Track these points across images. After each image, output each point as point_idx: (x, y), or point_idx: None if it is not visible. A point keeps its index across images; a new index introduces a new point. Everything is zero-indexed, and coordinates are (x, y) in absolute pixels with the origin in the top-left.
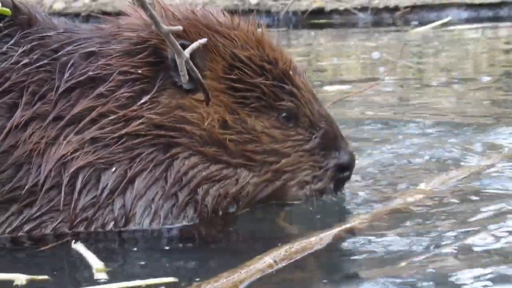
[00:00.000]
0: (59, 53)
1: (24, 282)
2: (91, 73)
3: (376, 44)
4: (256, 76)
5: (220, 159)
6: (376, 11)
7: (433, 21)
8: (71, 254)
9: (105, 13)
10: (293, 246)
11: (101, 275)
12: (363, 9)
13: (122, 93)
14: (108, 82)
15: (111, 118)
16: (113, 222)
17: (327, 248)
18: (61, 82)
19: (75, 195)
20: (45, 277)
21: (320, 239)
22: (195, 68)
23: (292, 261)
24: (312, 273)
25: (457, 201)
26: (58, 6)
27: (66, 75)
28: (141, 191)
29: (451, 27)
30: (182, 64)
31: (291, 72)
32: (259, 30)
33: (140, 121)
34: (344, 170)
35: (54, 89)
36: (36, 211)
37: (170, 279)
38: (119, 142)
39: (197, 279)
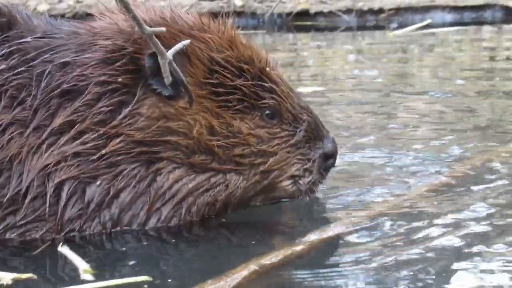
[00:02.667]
0: (36, 61)
1: (9, 282)
2: (65, 85)
3: (354, 47)
4: (235, 78)
5: (208, 167)
6: (361, 13)
7: (418, 24)
8: (58, 255)
9: (89, 15)
10: (279, 253)
11: (88, 276)
12: (348, 11)
13: (100, 108)
14: (84, 95)
15: (91, 135)
16: (102, 230)
17: (314, 253)
18: (38, 91)
19: (61, 206)
20: (31, 275)
21: (305, 244)
22: (178, 69)
23: (278, 267)
24: (298, 279)
25: (425, 205)
26: (43, 7)
27: (43, 84)
28: (126, 206)
29: (434, 30)
30: (165, 66)
31: (267, 69)
32: (230, 29)
33: (120, 138)
34: (329, 158)
35: (32, 97)
36: (20, 220)
37: (143, 278)
38: (102, 159)
39: (175, 280)
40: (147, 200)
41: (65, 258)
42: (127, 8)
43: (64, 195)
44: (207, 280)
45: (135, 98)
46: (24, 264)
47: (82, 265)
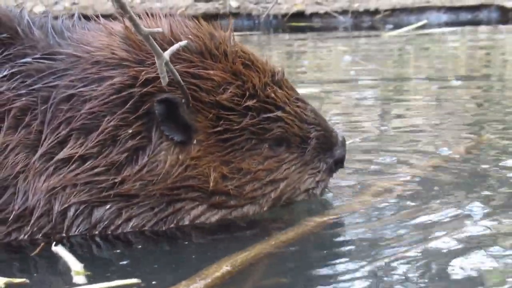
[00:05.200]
0: (39, 85)
1: (2, 285)
2: (74, 123)
3: (350, 48)
4: (242, 118)
5: (228, 205)
6: (357, 14)
7: (413, 24)
8: (52, 257)
9: (85, 16)
10: (251, 252)
11: (79, 278)
12: (344, 12)
13: (115, 154)
14: (97, 135)
15: (105, 171)
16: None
17: (284, 251)
18: (45, 120)
19: (66, 224)
20: (23, 280)
21: (277, 242)
22: (174, 70)
23: (250, 266)
24: (273, 276)
25: (411, 205)
26: (39, 9)
27: (49, 115)
28: (138, 228)
29: (429, 30)
30: (161, 66)
31: (273, 94)
32: (230, 45)
33: (139, 182)
34: (338, 162)
35: (39, 122)
36: (27, 237)
37: (133, 281)
38: (116, 190)
39: (165, 282)
40: (163, 227)
41: (58, 259)
42: (123, 9)
43: (70, 215)
44: (181, 281)
45: (152, 144)
46: (17, 267)
47: (75, 266)
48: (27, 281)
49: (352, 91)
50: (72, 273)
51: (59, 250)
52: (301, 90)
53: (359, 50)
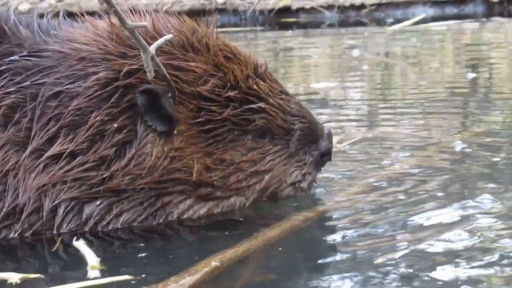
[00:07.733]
0: (27, 83)
1: (17, 281)
2: (63, 120)
3: (354, 42)
4: (223, 109)
5: (214, 196)
6: (343, 9)
7: (399, 19)
8: (67, 253)
9: (71, 13)
10: (240, 248)
11: (95, 273)
12: (330, 7)
13: (104, 149)
14: (85, 131)
15: (95, 166)
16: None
17: (273, 247)
18: (34, 117)
19: (57, 222)
20: (39, 275)
21: (265, 238)
22: (160, 64)
23: (239, 262)
24: (263, 272)
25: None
26: (24, 7)
27: (38, 112)
28: (128, 223)
29: (427, 24)
30: (147, 60)
31: (255, 86)
32: (213, 39)
33: (128, 177)
34: (325, 155)
35: (28, 119)
36: (17, 234)
37: (125, 277)
38: (106, 185)
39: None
40: (153, 222)
41: (76, 254)
42: (108, 3)
43: (60, 212)
44: (170, 277)
45: (138, 137)
46: (32, 264)
47: (92, 261)
48: (42, 276)
49: (361, 86)
50: (88, 268)
51: (80, 245)
52: (318, 85)
53: (365, 44)
